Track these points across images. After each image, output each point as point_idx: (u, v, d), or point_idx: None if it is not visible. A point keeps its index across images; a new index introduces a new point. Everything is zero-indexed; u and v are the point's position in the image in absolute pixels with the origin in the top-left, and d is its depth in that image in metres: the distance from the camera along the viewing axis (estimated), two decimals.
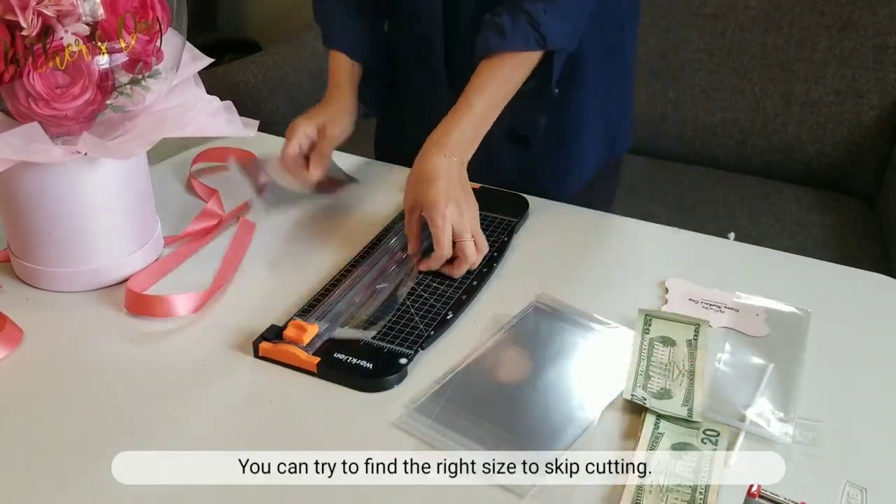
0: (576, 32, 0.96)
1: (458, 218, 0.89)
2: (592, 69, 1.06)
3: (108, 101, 0.80)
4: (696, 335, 0.81)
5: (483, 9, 0.98)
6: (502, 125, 0.97)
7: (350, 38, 1.09)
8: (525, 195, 1.05)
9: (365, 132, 2.10)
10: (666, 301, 0.87)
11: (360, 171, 1.16)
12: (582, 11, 0.95)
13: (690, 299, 0.88)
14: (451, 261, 0.90)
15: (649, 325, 0.82)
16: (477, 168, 0.94)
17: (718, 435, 0.70)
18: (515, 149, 1.07)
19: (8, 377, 0.77)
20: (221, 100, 0.91)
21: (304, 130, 1.04)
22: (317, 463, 0.68)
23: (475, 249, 0.90)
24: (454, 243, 0.89)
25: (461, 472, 0.67)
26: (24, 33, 0.73)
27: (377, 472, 0.67)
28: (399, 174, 1.14)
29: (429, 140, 0.92)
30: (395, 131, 1.26)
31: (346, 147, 1.26)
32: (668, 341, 0.80)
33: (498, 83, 0.93)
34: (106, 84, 0.78)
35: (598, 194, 1.16)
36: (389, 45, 1.15)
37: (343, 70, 1.09)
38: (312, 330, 0.79)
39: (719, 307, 0.86)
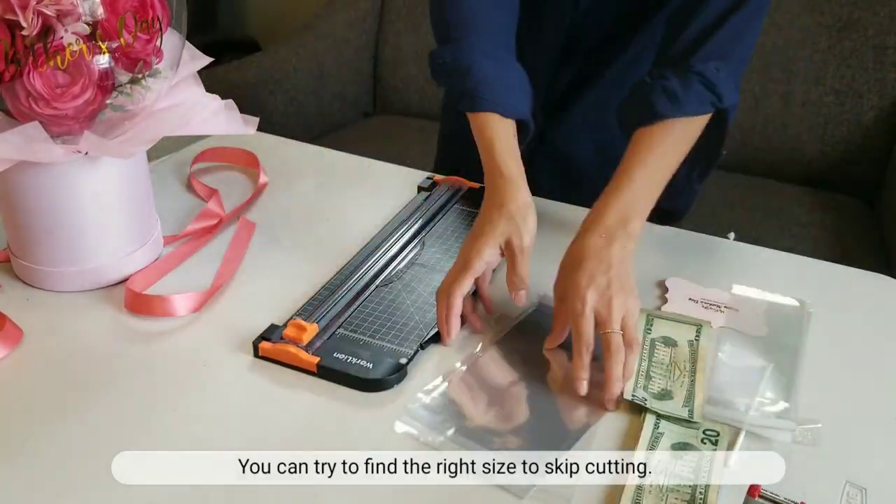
0: (740, 82, 0.87)
1: (602, 304, 0.74)
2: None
3: (108, 101, 0.80)
4: (697, 336, 0.81)
5: (602, 45, 0.91)
6: None
7: (501, 89, 0.87)
8: None
9: (365, 131, 2.11)
10: (666, 300, 0.87)
11: (360, 171, 1.16)
12: (748, 58, 0.87)
13: (690, 299, 0.88)
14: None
15: (651, 326, 0.82)
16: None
17: (718, 435, 0.70)
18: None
19: (8, 377, 0.77)
20: (221, 99, 0.91)
21: (484, 260, 0.81)
22: (317, 463, 0.68)
23: (621, 343, 0.74)
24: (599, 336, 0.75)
25: (461, 472, 0.67)
26: (24, 33, 0.73)
27: (377, 472, 0.67)
28: (403, 175, 1.14)
29: (586, 221, 0.81)
30: (463, 145, 1.17)
31: (347, 147, 1.26)
32: (669, 342, 0.80)
33: (660, 151, 0.82)
34: (106, 83, 0.78)
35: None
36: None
37: (504, 145, 0.86)
38: (312, 329, 0.80)
39: (719, 307, 0.87)
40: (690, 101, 0.83)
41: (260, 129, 0.96)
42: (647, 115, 0.83)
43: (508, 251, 0.82)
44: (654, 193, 0.83)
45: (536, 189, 0.88)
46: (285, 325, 0.80)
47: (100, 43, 0.76)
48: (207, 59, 0.92)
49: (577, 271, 0.77)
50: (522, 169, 0.86)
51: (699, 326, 0.82)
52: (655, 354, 0.79)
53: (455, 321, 0.80)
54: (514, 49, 0.92)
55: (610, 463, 0.68)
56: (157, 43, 0.81)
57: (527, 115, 0.89)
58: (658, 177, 0.83)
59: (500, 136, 0.86)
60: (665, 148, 0.83)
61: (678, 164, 0.84)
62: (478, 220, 0.84)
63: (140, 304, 0.85)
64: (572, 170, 1.11)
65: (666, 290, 0.89)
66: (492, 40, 0.90)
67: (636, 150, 0.83)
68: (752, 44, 0.87)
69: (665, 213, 0.91)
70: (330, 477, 0.67)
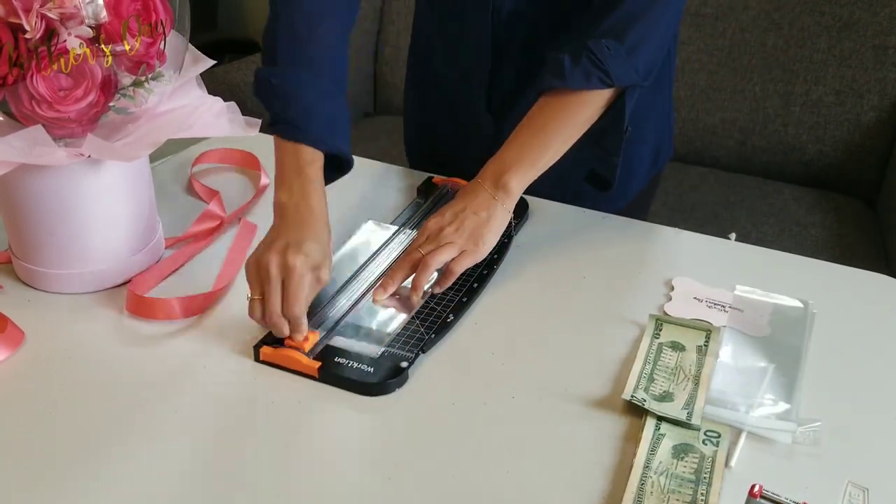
0: (650, 66, 0.90)
1: (436, 230, 0.85)
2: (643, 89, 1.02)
3: (111, 104, 0.80)
4: (706, 341, 0.81)
5: (534, 43, 0.94)
6: (581, 165, 0.94)
7: (323, 123, 0.88)
8: (524, 195, 1.05)
9: (365, 131, 2.11)
10: (670, 299, 0.88)
11: (360, 171, 1.16)
12: (656, 43, 0.90)
13: (695, 298, 0.88)
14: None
15: (660, 330, 0.82)
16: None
17: (719, 436, 0.70)
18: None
19: (9, 378, 0.77)
20: (223, 101, 0.91)
21: (307, 279, 0.80)
22: (318, 467, 0.68)
23: (430, 266, 0.84)
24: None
25: (461, 470, 0.67)
26: (27, 36, 0.73)
27: (379, 476, 0.67)
28: (403, 177, 1.14)
29: (484, 171, 0.89)
30: (429, 139, 1.22)
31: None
32: (677, 346, 0.80)
33: (554, 120, 0.88)
34: (109, 86, 0.78)
35: (636, 210, 1.13)
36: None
37: (315, 176, 0.87)
38: (313, 335, 0.80)
39: (723, 307, 0.87)
40: (575, 75, 0.86)
41: (261, 130, 0.96)
42: (541, 85, 0.90)
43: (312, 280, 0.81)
44: (539, 157, 0.88)
45: None
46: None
47: (103, 46, 0.76)
48: (210, 62, 0.92)
49: (461, 213, 0.86)
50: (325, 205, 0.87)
51: (709, 332, 0.82)
52: (661, 358, 0.79)
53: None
54: (343, 74, 0.93)
55: (611, 464, 0.68)
56: (161, 46, 0.81)
57: (344, 150, 0.90)
58: (543, 141, 0.88)
59: (312, 167, 0.87)
60: (550, 116, 0.88)
61: (570, 135, 0.89)
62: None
63: (141, 306, 0.85)
64: None
65: (672, 288, 0.89)
66: (320, 71, 0.90)
67: (528, 117, 0.89)
68: (653, 27, 0.89)
69: (595, 180, 0.99)
70: (331, 481, 0.67)
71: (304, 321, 0.79)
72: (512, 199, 0.89)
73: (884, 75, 1.74)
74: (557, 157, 0.89)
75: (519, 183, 0.88)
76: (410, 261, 0.86)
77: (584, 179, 0.99)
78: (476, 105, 1.08)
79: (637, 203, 1.16)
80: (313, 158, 0.86)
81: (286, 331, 0.78)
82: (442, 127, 1.18)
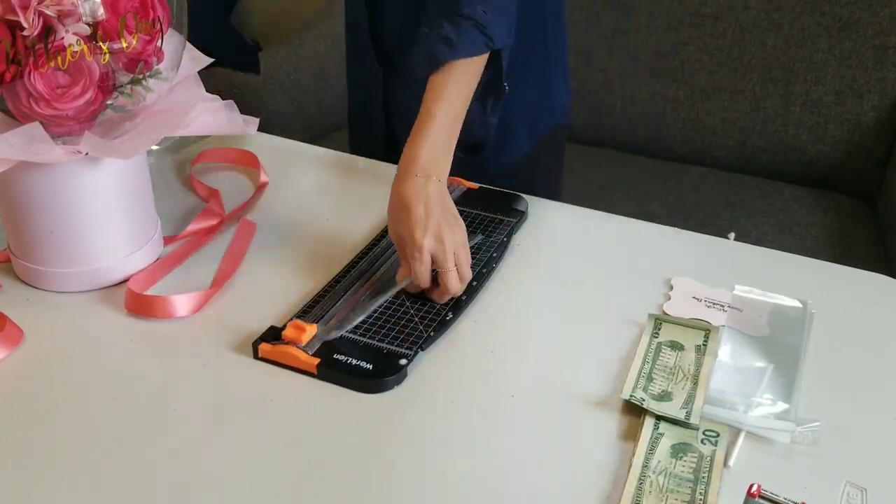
0: (512, 28, 0.94)
1: (438, 247, 0.84)
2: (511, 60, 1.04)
3: (108, 101, 0.80)
4: (706, 341, 0.81)
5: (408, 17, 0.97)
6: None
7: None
8: (524, 195, 1.05)
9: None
10: (669, 298, 0.88)
11: (360, 171, 1.16)
12: (513, 7, 0.94)
13: (694, 297, 0.88)
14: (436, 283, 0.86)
15: (659, 329, 0.82)
16: None
17: (718, 435, 0.70)
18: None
19: (8, 377, 0.77)
20: (221, 100, 0.91)
21: None
22: (316, 464, 0.68)
23: (457, 280, 0.85)
24: (437, 273, 0.85)
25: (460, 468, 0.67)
26: (25, 33, 0.73)
27: (377, 473, 0.67)
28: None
29: (400, 163, 0.88)
30: (362, 127, 1.27)
31: (347, 147, 1.26)
32: (676, 346, 0.80)
33: (453, 90, 0.90)
34: (107, 84, 0.78)
35: (540, 165, 1.18)
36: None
37: None
38: (311, 330, 0.80)
39: (722, 306, 0.87)
40: (464, 43, 0.89)
41: (260, 129, 0.96)
42: (432, 63, 0.90)
43: None
44: (455, 130, 0.90)
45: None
46: (284, 327, 0.80)
47: (100, 44, 0.76)
48: (208, 60, 0.92)
49: (408, 219, 0.85)
50: None
51: (707, 331, 0.82)
52: (660, 358, 0.79)
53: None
54: None
55: (610, 463, 0.68)
56: (158, 44, 0.81)
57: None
58: (454, 113, 0.90)
59: None
60: (455, 88, 0.90)
61: (468, 101, 0.92)
62: None
63: (140, 304, 0.85)
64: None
65: (671, 287, 0.89)
66: None
67: (432, 94, 0.90)
68: None
69: (470, 146, 1.03)
70: (329, 478, 0.67)
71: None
72: (446, 172, 0.90)
73: (884, 75, 1.74)
74: (461, 123, 0.91)
75: (449, 157, 0.90)
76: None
77: (460, 150, 0.99)
78: (368, 56, 1.12)
79: (521, 175, 1.16)
80: None
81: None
82: (351, 95, 1.22)
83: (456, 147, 0.92)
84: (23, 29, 0.72)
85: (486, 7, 0.90)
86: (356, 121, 1.27)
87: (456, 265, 0.85)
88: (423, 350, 0.80)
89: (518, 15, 0.97)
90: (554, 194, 1.14)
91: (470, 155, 1.03)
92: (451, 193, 1.05)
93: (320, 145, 1.24)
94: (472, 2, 0.90)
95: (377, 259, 0.93)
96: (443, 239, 0.84)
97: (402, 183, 0.87)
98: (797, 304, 0.87)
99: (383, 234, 0.98)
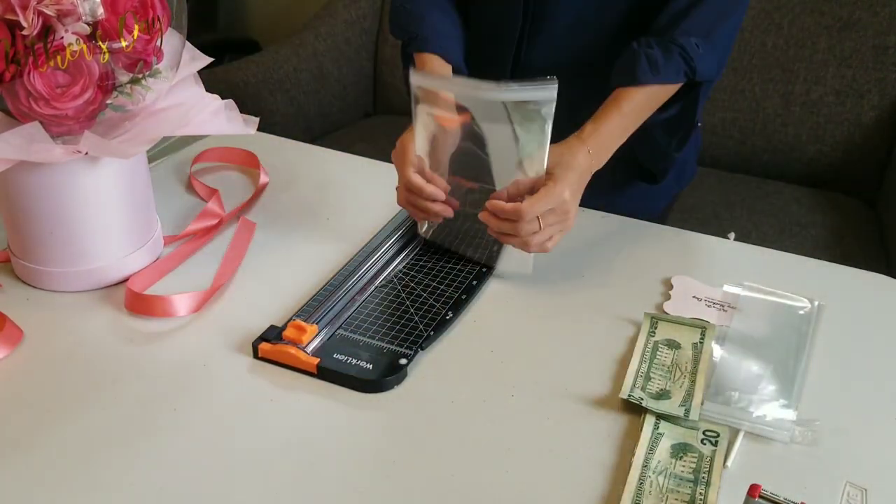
0: (722, 64, 0.96)
1: (563, 208, 0.84)
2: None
3: (108, 101, 0.80)
4: (702, 338, 0.81)
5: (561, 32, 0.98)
6: (628, 161, 0.96)
7: (446, 39, 1.02)
8: None
9: (365, 131, 2.11)
10: (669, 298, 0.88)
11: (360, 171, 1.16)
12: (730, 45, 0.96)
13: (694, 297, 0.88)
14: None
15: (655, 328, 0.82)
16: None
17: (718, 435, 0.70)
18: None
19: (8, 377, 0.77)
20: (222, 99, 0.91)
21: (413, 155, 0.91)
22: (316, 464, 0.68)
23: (540, 241, 0.86)
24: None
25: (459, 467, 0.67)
26: (24, 33, 0.73)
27: (377, 473, 0.67)
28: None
29: (585, 130, 0.90)
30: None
31: (347, 147, 1.26)
32: (673, 344, 0.80)
33: (638, 107, 0.93)
34: (106, 83, 0.78)
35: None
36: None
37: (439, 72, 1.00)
38: (312, 330, 0.79)
39: (723, 306, 0.87)
40: (668, 70, 0.92)
41: (260, 129, 0.96)
42: (631, 80, 0.92)
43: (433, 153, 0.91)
44: (619, 142, 0.93)
45: None
46: (285, 326, 0.80)
47: (100, 43, 0.76)
48: (207, 60, 0.92)
49: (567, 176, 0.85)
50: None
51: (703, 329, 0.82)
52: (657, 357, 0.79)
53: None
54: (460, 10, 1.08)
55: (610, 463, 0.68)
56: (158, 43, 0.81)
57: (461, 65, 1.03)
58: (628, 127, 0.93)
59: (436, 68, 1.00)
60: (640, 107, 0.93)
61: (643, 121, 0.94)
62: None
63: (140, 304, 0.85)
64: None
65: (671, 287, 0.89)
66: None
67: (616, 101, 0.92)
68: (733, 28, 0.96)
69: (648, 172, 1.07)
70: (329, 478, 0.67)
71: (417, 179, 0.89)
72: (599, 165, 0.91)
73: (884, 75, 1.73)
74: (627, 137, 0.93)
75: (607, 153, 0.92)
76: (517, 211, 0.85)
77: (629, 174, 1.03)
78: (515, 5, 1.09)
79: (661, 218, 1.17)
80: (443, 66, 1.00)
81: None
82: None
83: (631, 173, 0.98)
84: (22, 28, 0.72)
85: (701, 40, 0.92)
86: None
87: (550, 235, 0.86)
88: (423, 350, 0.80)
89: None
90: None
91: (644, 181, 1.07)
92: None
93: (320, 145, 1.25)
94: (689, 31, 0.91)
95: (378, 259, 0.93)
96: (570, 211, 0.86)
97: (578, 147, 0.88)
98: (805, 302, 0.86)
99: (383, 233, 0.98)
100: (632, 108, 0.92)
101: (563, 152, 0.87)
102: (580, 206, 0.89)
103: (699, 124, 0.97)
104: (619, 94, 0.93)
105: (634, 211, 1.06)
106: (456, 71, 1.01)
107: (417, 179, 0.89)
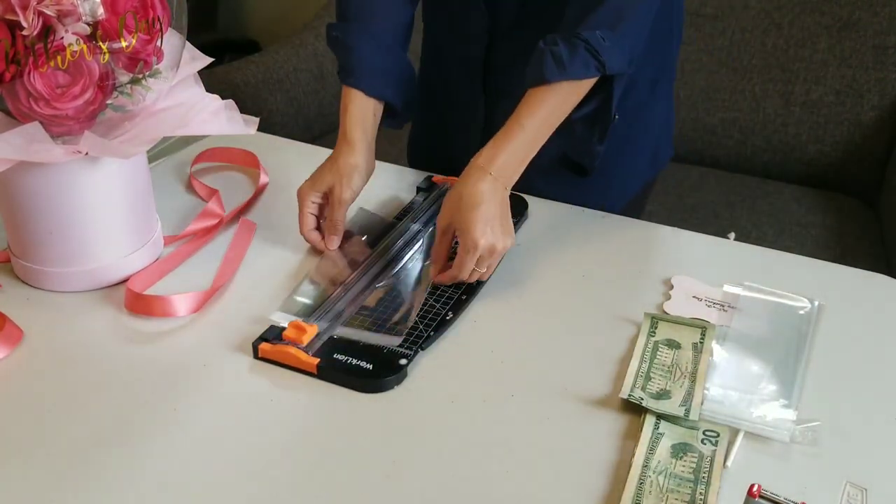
0: (634, 55, 0.93)
1: (489, 249, 0.86)
2: (641, 87, 1.04)
3: (108, 101, 0.80)
4: (702, 338, 0.81)
5: (524, 26, 0.96)
6: (556, 150, 0.94)
7: (370, 75, 1.00)
8: (524, 195, 1.05)
9: None
10: (669, 297, 0.87)
11: None
12: (640, 34, 0.93)
13: (694, 296, 0.88)
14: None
15: (655, 328, 0.82)
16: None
17: (718, 435, 0.70)
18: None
19: (8, 377, 0.77)
20: (222, 99, 0.91)
21: (310, 200, 0.95)
22: (316, 464, 0.68)
23: (476, 277, 0.88)
24: (456, 258, 0.87)
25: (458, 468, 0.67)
26: (24, 33, 0.73)
27: (377, 473, 0.67)
28: (403, 177, 1.14)
29: (475, 160, 0.88)
30: (428, 139, 1.24)
31: None
32: (673, 344, 0.80)
33: (550, 108, 0.90)
34: (106, 84, 0.78)
35: (633, 210, 1.14)
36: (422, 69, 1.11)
37: (355, 114, 0.99)
38: (312, 330, 0.79)
39: (723, 305, 0.87)
40: (575, 65, 0.88)
41: (260, 129, 0.96)
42: (538, 79, 0.90)
43: (330, 199, 0.95)
44: (537, 146, 0.90)
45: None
46: (285, 327, 0.80)
47: (100, 43, 0.76)
48: (208, 60, 0.92)
49: (473, 213, 0.85)
50: (368, 138, 0.99)
51: (704, 329, 0.82)
52: (658, 357, 0.79)
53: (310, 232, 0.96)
54: (405, 42, 1.05)
55: (610, 463, 0.68)
56: (158, 43, 0.81)
57: (390, 98, 1.02)
58: (543, 130, 0.90)
59: (356, 108, 0.99)
60: (552, 107, 0.90)
61: (561, 121, 0.91)
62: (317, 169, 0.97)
63: (140, 304, 0.85)
64: None
65: (671, 287, 0.89)
66: (382, 28, 1.02)
67: (527, 106, 0.90)
68: (644, 16, 0.93)
69: (576, 166, 1.05)
70: (329, 478, 0.67)
71: (316, 235, 0.96)
72: (513, 183, 0.90)
73: (884, 75, 1.73)
74: (544, 141, 0.91)
75: (521, 170, 0.90)
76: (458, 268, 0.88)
77: (560, 165, 1.02)
78: (476, 98, 1.10)
79: (634, 204, 1.16)
80: (363, 103, 0.99)
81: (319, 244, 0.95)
82: (445, 116, 1.18)
83: (561, 164, 0.96)
84: (22, 28, 0.72)
85: (607, 33, 0.88)
86: (435, 141, 1.23)
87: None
88: (423, 350, 0.80)
89: (647, 43, 0.95)
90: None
91: (575, 175, 1.06)
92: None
93: (320, 145, 1.25)
94: (594, 25, 0.88)
95: (378, 259, 0.93)
96: (496, 244, 0.86)
97: (477, 178, 0.87)
98: (805, 302, 0.86)
99: (383, 233, 0.98)
100: (536, 118, 0.89)
101: (462, 194, 0.87)
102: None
103: (616, 117, 0.95)
104: (525, 101, 0.90)
105: (606, 200, 1.07)
106: (383, 102, 1.01)
107: (314, 237, 0.96)
